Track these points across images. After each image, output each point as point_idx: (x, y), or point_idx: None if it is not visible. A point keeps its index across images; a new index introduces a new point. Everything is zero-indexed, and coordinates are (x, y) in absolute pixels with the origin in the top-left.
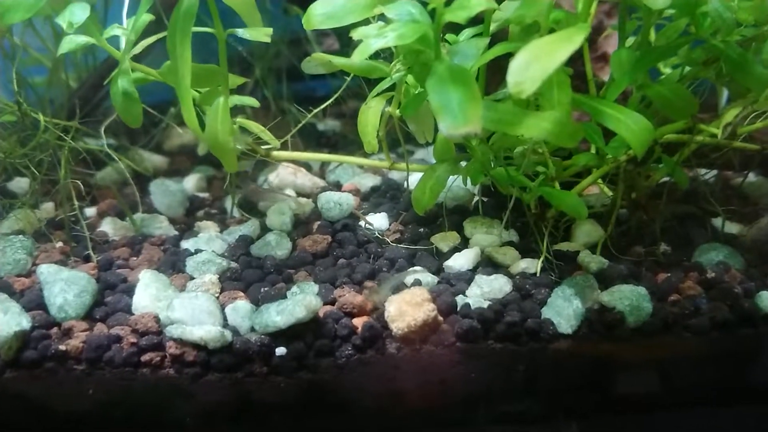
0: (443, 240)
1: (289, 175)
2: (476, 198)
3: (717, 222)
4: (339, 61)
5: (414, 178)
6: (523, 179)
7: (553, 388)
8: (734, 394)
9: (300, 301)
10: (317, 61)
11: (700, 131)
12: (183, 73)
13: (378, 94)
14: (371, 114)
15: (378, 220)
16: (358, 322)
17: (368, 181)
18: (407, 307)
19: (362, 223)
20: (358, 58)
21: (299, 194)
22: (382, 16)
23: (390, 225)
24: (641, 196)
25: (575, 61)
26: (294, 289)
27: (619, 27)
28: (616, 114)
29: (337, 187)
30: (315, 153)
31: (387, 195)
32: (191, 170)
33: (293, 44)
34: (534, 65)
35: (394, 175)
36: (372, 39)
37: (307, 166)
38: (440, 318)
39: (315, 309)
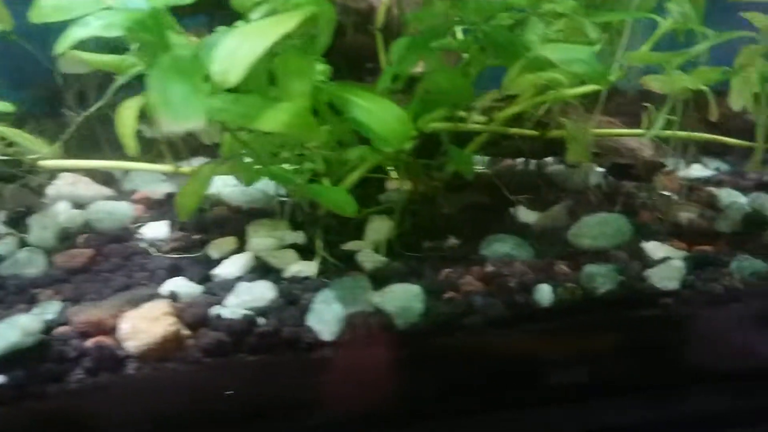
0: (218, 247)
1: (67, 185)
2: (285, 200)
3: (519, 212)
4: (90, 57)
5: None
6: (289, 176)
7: (319, 399)
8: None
9: (14, 324)
10: (72, 60)
11: (462, 119)
12: None
13: None
14: (127, 114)
15: (158, 229)
16: (93, 342)
17: (166, 188)
18: (143, 323)
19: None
20: (59, 49)
21: (78, 206)
22: None
23: (171, 234)
24: (429, 189)
25: None
26: (36, 310)
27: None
28: (366, 104)
29: (130, 195)
30: (93, 161)
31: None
32: None
33: None
34: (240, 51)
35: None
36: (75, 29)
37: (109, 174)
38: (185, 332)
39: (34, 331)
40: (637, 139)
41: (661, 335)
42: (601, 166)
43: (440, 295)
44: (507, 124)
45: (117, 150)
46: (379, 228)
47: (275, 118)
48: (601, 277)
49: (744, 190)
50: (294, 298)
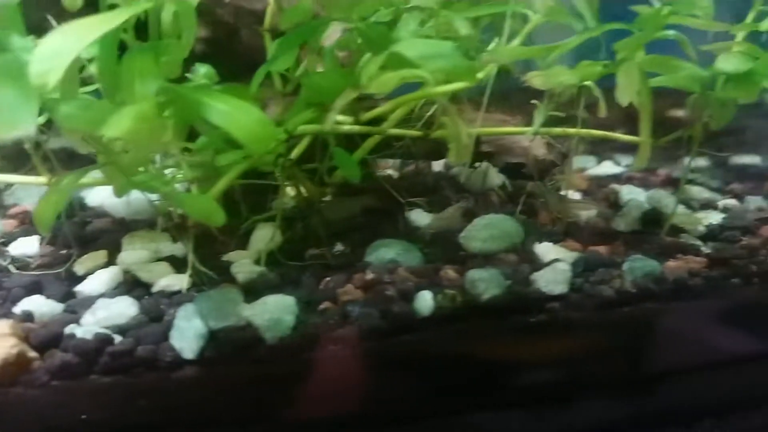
0: (87, 262)
1: None
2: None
3: (415, 215)
4: None
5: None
6: (155, 185)
7: (187, 421)
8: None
9: None
10: None
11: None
12: None
13: None
14: None
15: (28, 245)
16: None
17: None
18: None
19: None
20: None
21: None
22: None
23: (40, 249)
24: (316, 195)
25: None
26: None
27: None
28: (224, 107)
29: (8, 209)
30: None
31: (59, 216)
32: None
33: None
34: (60, 51)
35: None
36: None
37: None
38: (32, 354)
39: None
40: (532, 138)
41: (544, 342)
42: (496, 165)
43: (316, 306)
44: (396, 125)
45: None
46: (264, 237)
47: (119, 124)
48: (483, 283)
49: (651, 187)
50: (159, 314)
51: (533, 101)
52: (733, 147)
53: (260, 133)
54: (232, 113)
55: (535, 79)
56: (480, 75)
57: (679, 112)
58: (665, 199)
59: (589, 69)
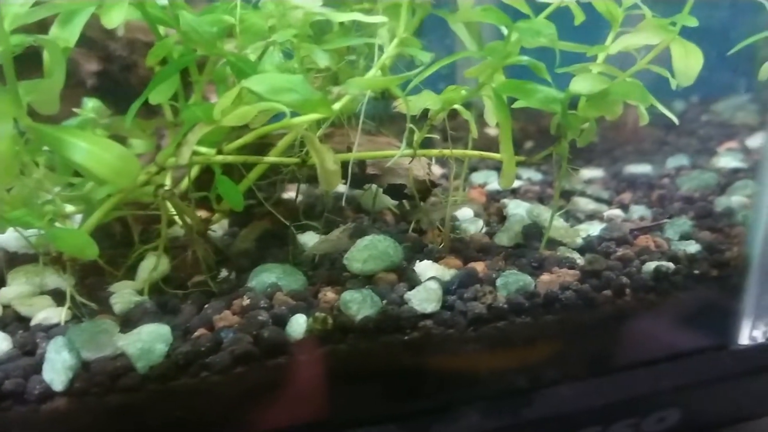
0: None
1: None
2: None
3: (307, 238)
4: None
5: None
6: (29, 221)
7: None
8: None
9: None
10: None
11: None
12: None
13: None
14: None
15: None
16: None
17: None
18: None
19: None
20: None
21: None
22: None
23: None
24: (198, 222)
25: None
26: None
27: None
28: (85, 144)
29: None
30: None
31: None
32: None
33: None
34: None
35: None
36: None
37: None
38: None
39: None
40: (417, 159)
41: (418, 359)
42: (381, 186)
43: (190, 333)
44: (260, 153)
45: None
46: (151, 266)
47: None
48: (355, 304)
49: (547, 200)
50: (33, 347)
51: (409, 125)
52: (630, 156)
53: (121, 168)
54: (93, 150)
55: (401, 106)
56: (337, 106)
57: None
58: (545, 212)
59: (453, 94)
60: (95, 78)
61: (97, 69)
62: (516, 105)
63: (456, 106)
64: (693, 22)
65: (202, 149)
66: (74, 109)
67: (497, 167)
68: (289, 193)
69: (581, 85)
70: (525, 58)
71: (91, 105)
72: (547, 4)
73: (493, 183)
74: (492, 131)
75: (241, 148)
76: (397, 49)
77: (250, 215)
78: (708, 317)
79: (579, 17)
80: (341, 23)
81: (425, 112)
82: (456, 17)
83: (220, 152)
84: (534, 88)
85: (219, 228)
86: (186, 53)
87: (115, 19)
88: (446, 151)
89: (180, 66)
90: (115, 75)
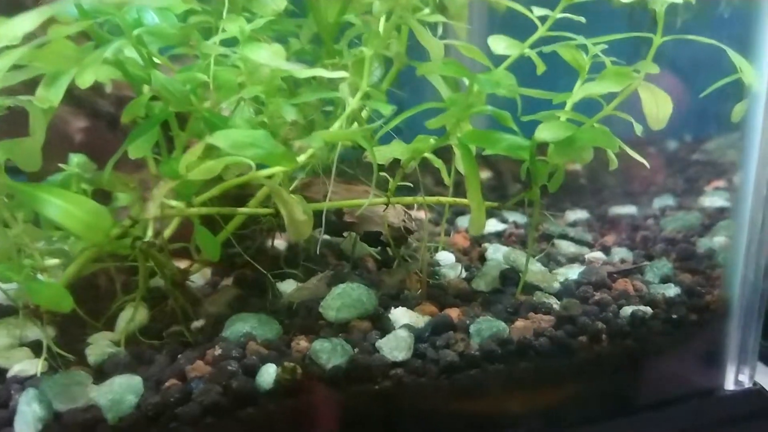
0: None
1: None
2: None
3: (287, 286)
4: None
5: None
6: (8, 275)
7: None
8: None
9: None
10: None
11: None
12: None
13: None
14: None
15: None
16: None
17: None
18: None
19: None
20: None
21: None
22: None
23: None
24: (175, 273)
25: None
26: None
27: None
28: (57, 201)
29: None
30: None
31: None
32: None
33: None
34: None
35: None
36: None
37: None
38: None
39: None
40: (392, 207)
41: (389, 408)
42: (358, 234)
43: (161, 384)
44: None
45: None
46: (129, 317)
47: None
48: (325, 353)
49: (524, 244)
50: (7, 399)
51: (383, 174)
52: (617, 198)
53: (93, 223)
54: (64, 206)
55: (377, 154)
56: (301, 158)
57: (576, 166)
58: (522, 257)
59: (421, 144)
60: (83, 134)
61: (84, 125)
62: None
63: (427, 155)
64: (655, 70)
65: (173, 203)
66: (60, 165)
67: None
68: (276, 242)
69: (546, 132)
70: (489, 108)
71: (76, 160)
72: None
73: None
74: (482, 175)
75: (221, 198)
76: (361, 102)
77: (232, 264)
78: (691, 363)
79: (540, 68)
80: (314, 78)
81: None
82: (420, 70)
83: (190, 205)
84: (499, 137)
85: (201, 277)
86: (162, 110)
87: (87, 79)
88: (419, 199)
89: (155, 122)
90: (103, 131)
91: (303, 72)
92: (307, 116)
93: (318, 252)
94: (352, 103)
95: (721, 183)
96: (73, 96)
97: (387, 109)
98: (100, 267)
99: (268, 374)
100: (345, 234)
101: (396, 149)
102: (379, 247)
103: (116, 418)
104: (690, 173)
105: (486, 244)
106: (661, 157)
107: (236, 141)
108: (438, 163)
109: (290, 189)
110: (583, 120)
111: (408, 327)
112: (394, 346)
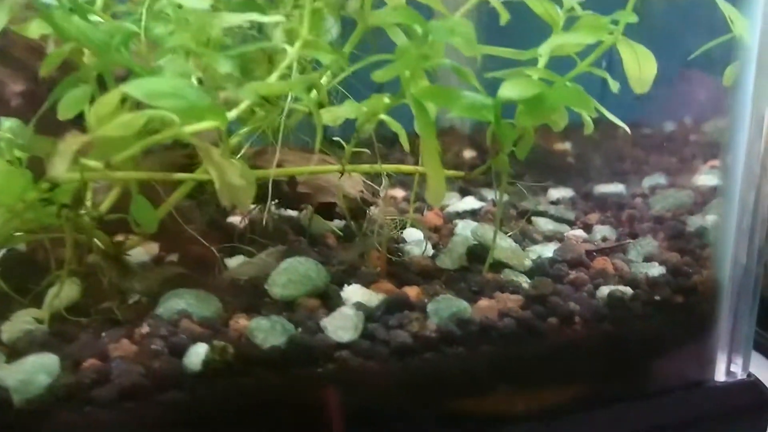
0: None
1: None
2: None
3: (235, 262)
4: None
5: None
6: None
7: None
8: None
9: None
10: None
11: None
12: None
13: None
14: None
15: None
16: None
17: None
18: None
19: None
20: None
21: None
22: None
23: None
24: (109, 246)
25: None
26: None
27: None
28: None
29: None
30: None
31: None
32: None
33: None
34: None
35: None
36: None
37: None
38: None
39: None
40: (350, 176)
41: (332, 393)
42: (312, 206)
43: (80, 364)
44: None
45: None
46: (57, 293)
47: None
48: (261, 332)
49: (508, 222)
50: None
51: (335, 138)
52: (605, 177)
53: (4, 184)
54: None
55: (326, 115)
56: (232, 114)
57: (566, 145)
58: (490, 232)
59: (376, 102)
60: (20, 98)
61: (22, 89)
62: None
63: (383, 117)
64: (633, 19)
65: (92, 163)
66: None
67: (465, 189)
68: (234, 217)
69: (511, 90)
70: (447, 62)
71: (8, 125)
72: None
73: (455, 204)
74: (467, 153)
75: (165, 167)
76: (300, 52)
77: (181, 239)
78: (677, 350)
79: (504, 17)
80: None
81: None
82: (370, 20)
83: (108, 165)
84: (459, 94)
85: (146, 253)
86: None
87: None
88: (377, 167)
89: (79, 77)
90: (43, 96)
91: (233, 17)
92: (251, 72)
93: (274, 227)
94: (291, 52)
95: (717, 162)
96: (12, 58)
97: (327, 59)
98: (33, 239)
99: (197, 355)
100: (302, 207)
101: (347, 109)
102: (340, 221)
103: (23, 400)
104: (685, 153)
105: (457, 221)
106: (656, 137)
107: (152, 90)
108: (396, 126)
109: (238, 156)
110: (556, 79)
111: (358, 305)
112: (340, 326)
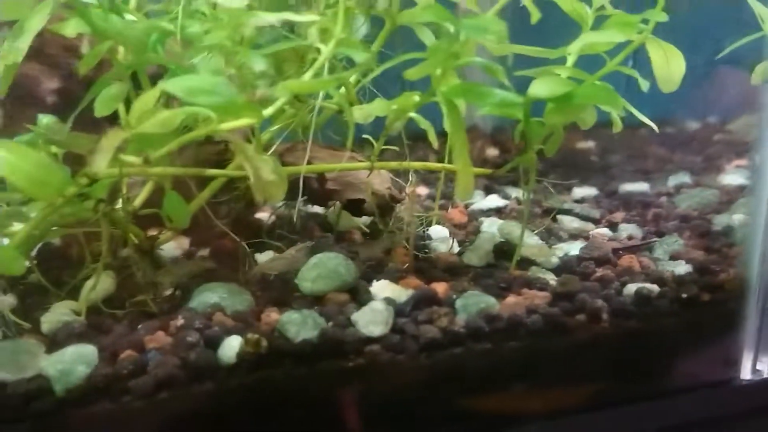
0: None
1: None
2: None
3: (265, 257)
4: None
5: None
6: None
7: None
8: None
9: None
10: None
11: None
12: None
13: None
14: None
15: None
16: None
17: None
18: None
19: None
20: None
21: None
22: None
23: None
24: (144, 240)
25: None
26: None
27: None
28: (2, 153)
29: None
30: None
31: None
32: None
33: None
34: None
35: None
36: None
37: None
38: None
39: None
40: (378, 173)
41: (362, 386)
42: (341, 202)
43: (117, 355)
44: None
45: None
46: (91, 285)
47: None
48: (294, 326)
49: (533, 220)
50: None
51: (364, 135)
52: (630, 175)
53: (40, 178)
54: (9, 158)
55: (357, 113)
56: (268, 111)
57: (589, 143)
58: (518, 230)
59: (406, 100)
60: (56, 95)
61: (57, 86)
62: None
63: (412, 115)
64: (663, 18)
65: (131, 158)
66: (28, 125)
67: (489, 186)
68: (261, 213)
69: (541, 88)
70: (478, 60)
71: (45, 121)
72: None
73: (480, 202)
74: (489, 152)
75: (198, 164)
76: (335, 50)
77: (211, 234)
78: (703, 348)
79: (535, 16)
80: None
81: None
82: (400, 19)
83: (146, 161)
84: (489, 91)
85: (178, 247)
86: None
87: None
88: (405, 164)
89: (115, 74)
90: (77, 93)
91: (268, 17)
92: (284, 71)
93: (301, 223)
94: (325, 51)
95: (743, 162)
96: (46, 55)
97: (361, 57)
98: (68, 233)
99: (231, 347)
100: (330, 203)
101: (377, 107)
102: (367, 218)
103: (64, 390)
104: (710, 152)
105: (483, 218)
106: (680, 136)
107: (190, 87)
108: (425, 124)
109: (269, 152)
110: (585, 77)
111: (387, 300)
112: (370, 320)
